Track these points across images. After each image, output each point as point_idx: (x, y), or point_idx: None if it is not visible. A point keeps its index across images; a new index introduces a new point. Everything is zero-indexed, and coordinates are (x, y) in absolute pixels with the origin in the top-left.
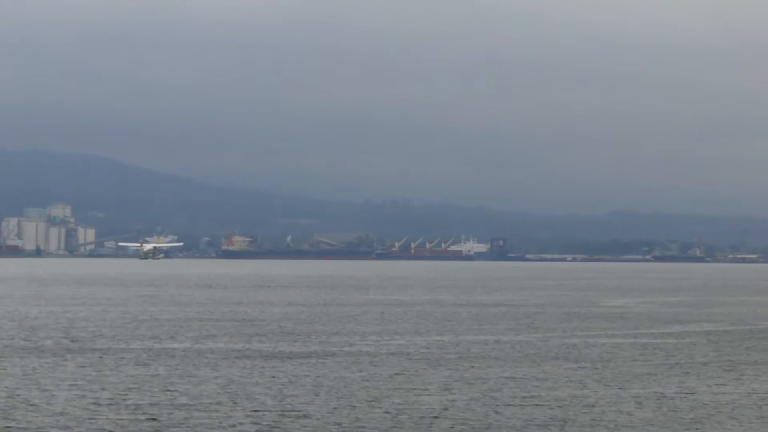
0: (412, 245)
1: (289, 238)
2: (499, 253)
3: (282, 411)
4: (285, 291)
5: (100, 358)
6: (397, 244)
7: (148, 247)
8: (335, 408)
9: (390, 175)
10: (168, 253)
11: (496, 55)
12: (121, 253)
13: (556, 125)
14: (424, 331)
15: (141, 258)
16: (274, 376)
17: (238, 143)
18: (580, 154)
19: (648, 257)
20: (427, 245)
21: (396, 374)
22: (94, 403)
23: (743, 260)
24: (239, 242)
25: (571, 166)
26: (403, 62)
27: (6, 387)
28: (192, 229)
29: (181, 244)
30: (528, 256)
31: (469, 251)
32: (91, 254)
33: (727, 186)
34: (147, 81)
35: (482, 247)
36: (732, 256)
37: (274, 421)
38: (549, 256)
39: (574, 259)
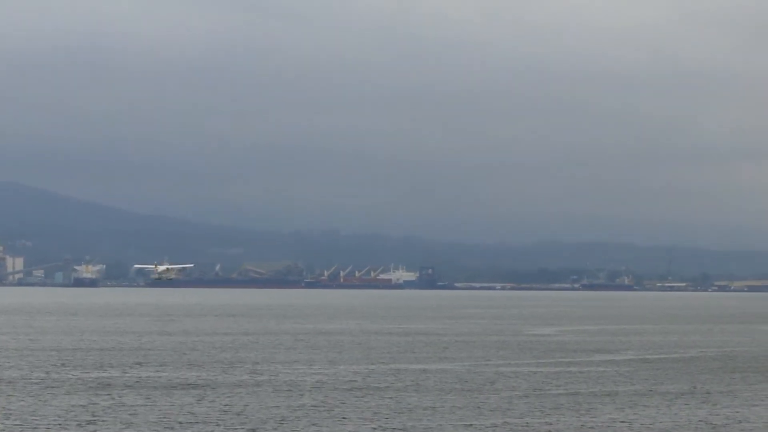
0: (342, 274)
1: (218, 267)
2: (428, 281)
3: None
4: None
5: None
6: (326, 273)
7: (161, 268)
8: None
9: (319, 205)
10: (95, 282)
11: (426, 84)
12: (50, 282)
13: (483, 154)
14: (350, 360)
15: (155, 279)
16: (192, 412)
17: (166, 172)
18: (508, 184)
19: (577, 286)
20: (357, 274)
21: (317, 405)
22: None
23: (671, 288)
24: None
25: (499, 196)
26: (332, 91)
27: None
28: (121, 258)
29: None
30: (457, 284)
31: (398, 280)
32: (20, 283)
33: (655, 215)
34: (74, 109)
35: (411, 276)
36: (660, 284)
37: None
38: (478, 285)
39: (503, 288)
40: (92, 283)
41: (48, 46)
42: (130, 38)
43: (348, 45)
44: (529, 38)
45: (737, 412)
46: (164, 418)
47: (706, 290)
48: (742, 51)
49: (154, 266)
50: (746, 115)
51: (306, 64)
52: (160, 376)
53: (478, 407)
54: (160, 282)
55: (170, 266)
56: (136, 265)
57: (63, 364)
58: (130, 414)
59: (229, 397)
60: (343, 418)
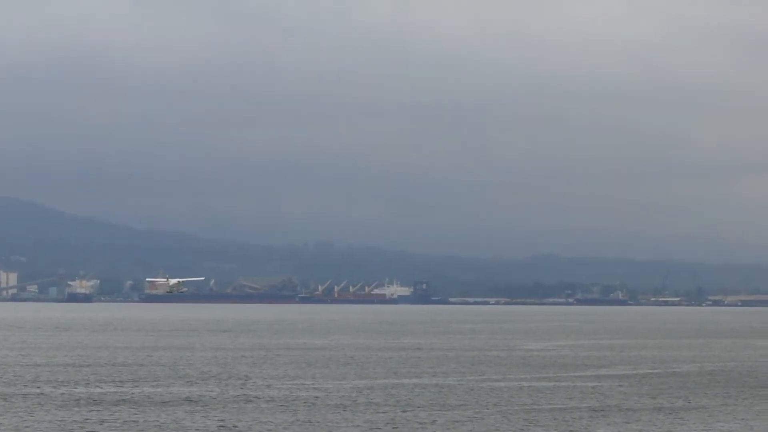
0: (336, 289)
1: (212, 282)
2: (422, 296)
3: None
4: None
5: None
6: (320, 288)
7: (173, 281)
8: None
9: (313, 219)
10: (89, 297)
11: (419, 98)
12: (44, 298)
13: (477, 169)
14: (347, 376)
15: (167, 292)
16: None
17: (161, 187)
18: (502, 198)
19: (571, 300)
20: (351, 289)
21: (309, 421)
22: None
23: (665, 303)
24: (162, 286)
25: (493, 210)
26: (327, 104)
27: None
28: (115, 273)
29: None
30: (451, 299)
31: (392, 295)
32: (14, 298)
33: (649, 230)
34: (68, 123)
35: (405, 291)
36: (654, 299)
37: None
38: (472, 299)
39: (497, 303)
40: (86, 299)
41: (42, 59)
42: (127, 50)
43: (342, 58)
44: (524, 53)
45: (731, 427)
46: None
47: (700, 305)
48: (737, 66)
49: (165, 279)
50: (741, 130)
51: (300, 77)
52: (152, 392)
53: (471, 421)
54: (155, 296)
55: (181, 279)
56: (148, 279)
57: (56, 380)
58: (121, 429)
59: (221, 412)
60: None
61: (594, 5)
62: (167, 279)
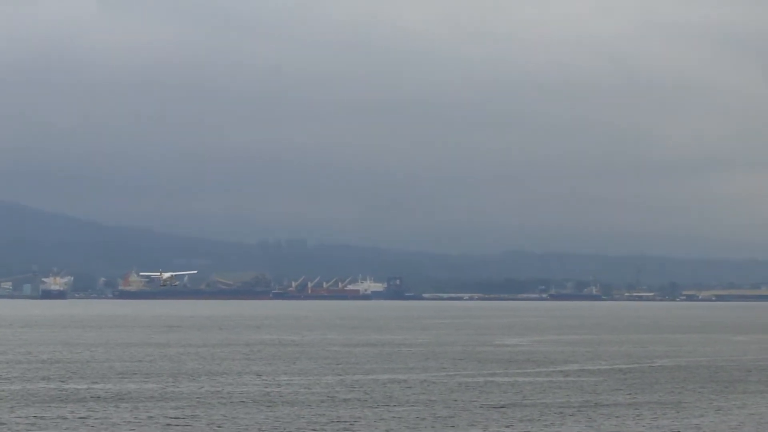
0: (309, 285)
1: (185, 279)
2: (395, 292)
3: None
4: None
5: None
6: (294, 284)
7: (166, 275)
8: None
9: (286, 215)
10: (63, 294)
11: (390, 95)
12: (18, 294)
13: (450, 165)
14: (323, 372)
15: (161, 285)
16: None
17: (133, 184)
18: (474, 194)
19: (544, 296)
20: (324, 285)
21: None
22: None
23: (639, 298)
24: (136, 283)
25: (466, 206)
26: (297, 102)
27: None
28: (88, 270)
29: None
30: (425, 295)
31: (366, 290)
32: None
33: (622, 225)
34: (39, 122)
35: (379, 287)
36: (628, 294)
37: None
38: (446, 295)
39: (470, 298)
40: (60, 295)
41: (13, 58)
42: (96, 51)
43: (314, 57)
44: (493, 50)
45: (705, 422)
46: (137, 429)
47: (674, 300)
48: (708, 62)
49: (159, 273)
50: (712, 125)
51: (272, 76)
52: (128, 389)
53: (451, 417)
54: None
55: (174, 273)
56: (142, 273)
57: (34, 377)
58: (101, 426)
59: (199, 408)
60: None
61: (564, 2)
62: (161, 273)
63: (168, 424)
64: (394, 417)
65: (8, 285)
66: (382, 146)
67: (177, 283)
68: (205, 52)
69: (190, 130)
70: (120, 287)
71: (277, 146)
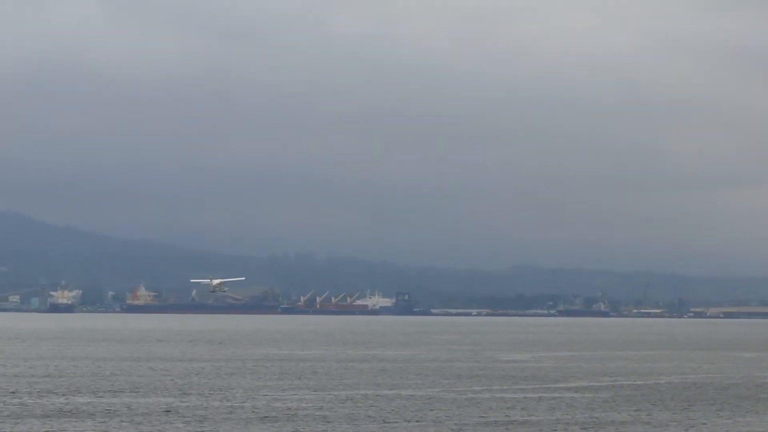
0: (318, 300)
1: (194, 293)
2: (404, 307)
3: None
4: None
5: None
6: (302, 299)
7: (216, 282)
8: None
9: (294, 230)
10: (71, 308)
11: (399, 108)
12: (25, 308)
13: (458, 179)
14: (331, 387)
15: (210, 291)
16: None
17: (143, 197)
18: (483, 209)
19: (553, 312)
20: (333, 300)
21: None
22: None
23: (647, 314)
24: (144, 296)
25: (475, 221)
26: (307, 116)
27: None
28: (97, 283)
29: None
30: (433, 310)
31: (374, 306)
32: None
33: (631, 241)
34: (48, 132)
35: (387, 302)
36: (636, 310)
37: None
38: (454, 311)
39: (479, 314)
40: (68, 309)
41: (19, 69)
42: (102, 62)
43: (321, 70)
44: (498, 64)
45: None
46: None
47: (682, 316)
48: (714, 77)
49: (209, 280)
50: (720, 141)
51: (279, 88)
52: (129, 402)
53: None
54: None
55: (223, 280)
56: (192, 279)
57: (36, 390)
58: None
59: (201, 422)
60: None
61: (567, 18)
62: (211, 279)
63: None
64: None
65: (16, 299)
66: (392, 159)
67: (226, 290)
68: (213, 65)
69: (199, 142)
70: (128, 301)
71: (286, 159)
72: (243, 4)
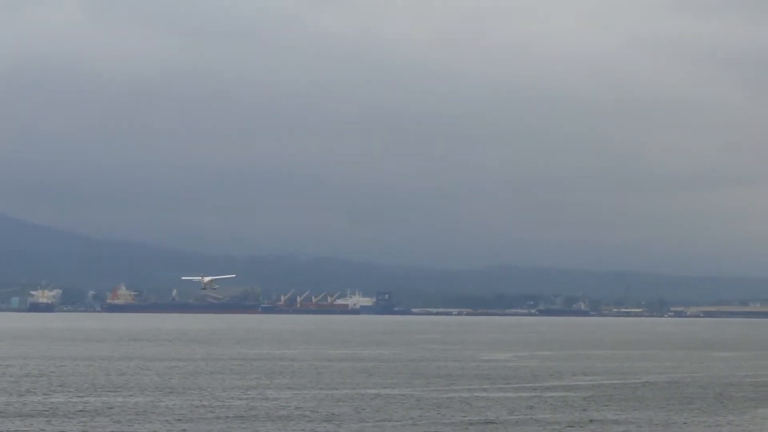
0: (298, 299)
1: (174, 292)
2: (384, 306)
3: None
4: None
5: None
6: (283, 298)
7: (207, 279)
8: None
9: (275, 229)
10: (51, 307)
11: (383, 109)
12: (5, 307)
13: (440, 180)
14: (310, 386)
15: (201, 289)
16: None
17: (122, 197)
18: (462, 209)
19: (533, 311)
20: (313, 299)
21: None
22: None
23: (628, 314)
24: (124, 296)
25: (455, 221)
26: (290, 116)
27: None
28: (77, 283)
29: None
30: (413, 309)
31: (355, 305)
32: None
33: (611, 241)
34: (29, 132)
35: (368, 301)
36: (616, 309)
37: None
38: (434, 310)
39: (459, 313)
40: (48, 308)
41: (3, 68)
42: (86, 62)
43: (307, 70)
44: (488, 64)
45: None
46: None
47: (662, 316)
48: (699, 78)
49: (201, 277)
50: (701, 141)
51: (265, 88)
52: (109, 401)
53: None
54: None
55: (215, 277)
56: (184, 277)
57: (15, 390)
58: None
59: (183, 422)
60: None
61: (557, 16)
62: (202, 277)
63: None
64: None
65: None
66: (373, 159)
67: (216, 287)
68: (200, 64)
69: (181, 142)
70: (108, 300)
71: (269, 159)
72: (232, 5)
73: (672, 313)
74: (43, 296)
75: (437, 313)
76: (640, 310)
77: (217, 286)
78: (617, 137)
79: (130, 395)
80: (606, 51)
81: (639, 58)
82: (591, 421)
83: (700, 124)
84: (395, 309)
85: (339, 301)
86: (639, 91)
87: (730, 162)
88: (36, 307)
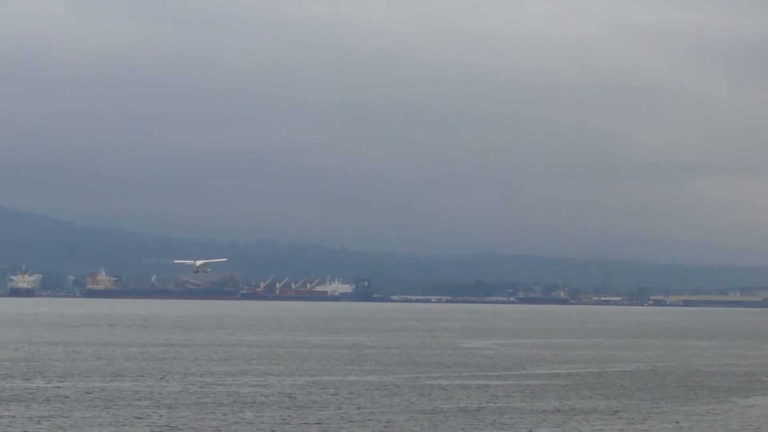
0: (278, 285)
1: (153, 278)
2: (364, 293)
3: None
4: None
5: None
6: (262, 285)
7: (199, 262)
8: None
9: (255, 216)
10: (31, 292)
11: (361, 95)
12: None
13: (419, 166)
14: (291, 373)
15: (194, 272)
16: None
17: (102, 183)
18: (444, 196)
19: (512, 299)
20: (293, 285)
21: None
22: None
23: (607, 302)
24: (104, 281)
25: (435, 208)
26: (268, 102)
27: None
28: (57, 268)
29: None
30: (393, 297)
31: (334, 292)
32: None
33: (591, 229)
34: (9, 118)
35: (347, 288)
36: (596, 298)
37: None
38: (414, 297)
39: (438, 300)
40: (28, 293)
41: None
42: (64, 49)
43: (284, 56)
44: (465, 50)
45: (664, 428)
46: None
47: (641, 304)
48: (679, 66)
49: (193, 261)
50: (682, 130)
51: (241, 75)
52: (88, 386)
53: (412, 420)
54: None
55: (206, 261)
56: (177, 260)
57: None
58: (58, 427)
59: (166, 409)
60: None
61: (534, 4)
62: (194, 260)
63: (129, 424)
64: (361, 419)
65: None
66: (352, 146)
67: (209, 270)
68: (173, 50)
69: (159, 128)
70: (88, 286)
71: (247, 145)
72: None
73: (652, 302)
74: (23, 281)
75: (416, 300)
76: (620, 298)
77: (209, 270)
78: (598, 125)
79: (110, 380)
80: (588, 38)
81: (621, 45)
82: (571, 409)
83: (681, 112)
84: (374, 296)
85: (318, 288)
86: (621, 79)
87: (712, 151)
88: (16, 292)
